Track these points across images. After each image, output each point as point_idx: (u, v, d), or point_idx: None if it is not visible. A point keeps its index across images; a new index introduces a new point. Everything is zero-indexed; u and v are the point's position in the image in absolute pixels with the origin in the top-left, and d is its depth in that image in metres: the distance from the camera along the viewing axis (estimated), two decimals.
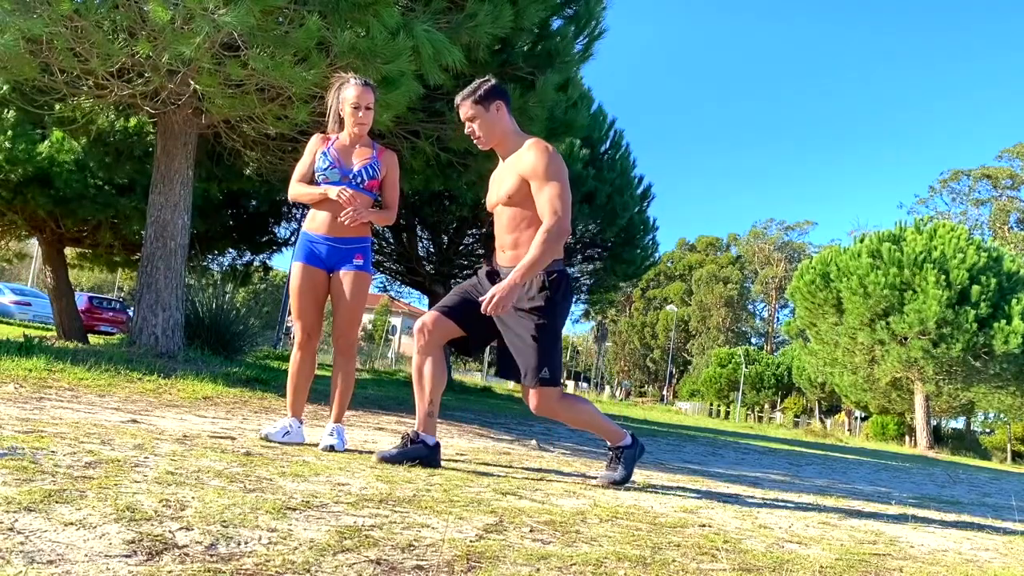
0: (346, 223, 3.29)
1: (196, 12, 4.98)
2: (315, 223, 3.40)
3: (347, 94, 3.38)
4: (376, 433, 4.34)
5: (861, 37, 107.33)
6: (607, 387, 60.97)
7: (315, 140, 3.50)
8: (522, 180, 3.03)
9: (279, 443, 3.29)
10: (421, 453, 3.01)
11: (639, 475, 3.82)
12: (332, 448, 3.25)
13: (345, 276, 3.36)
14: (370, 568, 1.48)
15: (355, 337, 3.55)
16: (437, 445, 3.09)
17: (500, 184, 3.13)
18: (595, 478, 3.33)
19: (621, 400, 46.59)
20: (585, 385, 58.97)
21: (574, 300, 17.31)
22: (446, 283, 14.81)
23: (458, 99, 3.15)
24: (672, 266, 70.21)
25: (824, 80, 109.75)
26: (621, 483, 3.21)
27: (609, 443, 3.31)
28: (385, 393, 8.67)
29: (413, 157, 7.38)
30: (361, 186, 3.35)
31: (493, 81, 3.15)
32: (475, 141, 3.16)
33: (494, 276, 3.13)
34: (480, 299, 2.98)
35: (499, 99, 3.11)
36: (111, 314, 21.27)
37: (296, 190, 3.45)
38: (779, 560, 1.99)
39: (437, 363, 3.10)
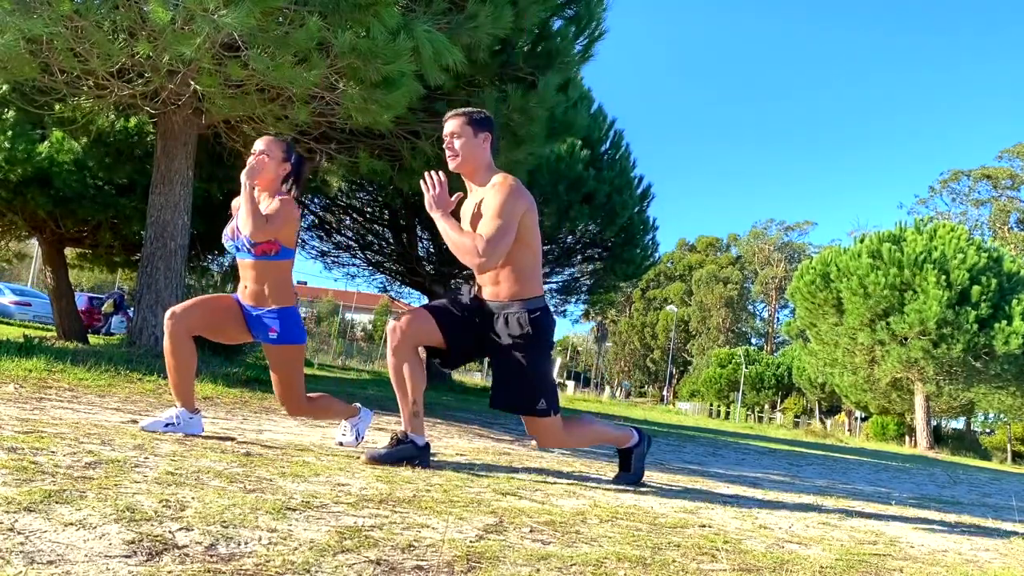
0: (247, 287, 3.22)
1: (196, 13, 4.98)
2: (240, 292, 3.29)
3: None
4: (376, 433, 4.34)
5: (861, 37, 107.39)
6: (607, 387, 60.94)
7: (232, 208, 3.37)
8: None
9: (159, 431, 3.10)
10: (411, 453, 2.98)
11: None
12: (341, 444, 3.32)
13: (266, 349, 3.24)
14: (370, 568, 1.48)
15: (295, 406, 3.32)
16: (427, 445, 3.08)
17: (468, 218, 3.09)
18: (610, 480, 3.40)
19: (620, 400, 46.56)
20: (581, 387, 58.95)
21: (574, 301, 17.38)
22: (446, 283, 14.81)
23: (450, 114, 3.12)
24: (672, 266, 70.19)
25: (824, 80, 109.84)
26: (637, 481, 3.35)
27: (618, 447, 3.39)
28: (385, 393, 8.66)
29: (413, 157, 7.38)
30: (251, 253, 3.15)
31: (488, 114, 3.16)
32: (448, 157, 3.08)
33: (478, 301, 3.11)
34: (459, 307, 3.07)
35: (489, 131, 3.10)
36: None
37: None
38: (779, 560, 1.99)
39: (413, 363, 3.02)
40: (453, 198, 3.11)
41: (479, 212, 2.99)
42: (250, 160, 3.21)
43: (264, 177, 3.20)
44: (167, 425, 3.09)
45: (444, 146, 3.11)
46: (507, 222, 2.89)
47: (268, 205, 3.18)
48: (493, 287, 3.05)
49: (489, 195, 2.98)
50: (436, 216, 2.98)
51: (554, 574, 1.60)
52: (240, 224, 3.16)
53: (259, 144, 3.24)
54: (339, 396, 6.63)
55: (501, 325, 3.00)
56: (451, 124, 3.09)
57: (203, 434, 3.16)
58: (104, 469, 2.10)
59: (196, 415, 3.18)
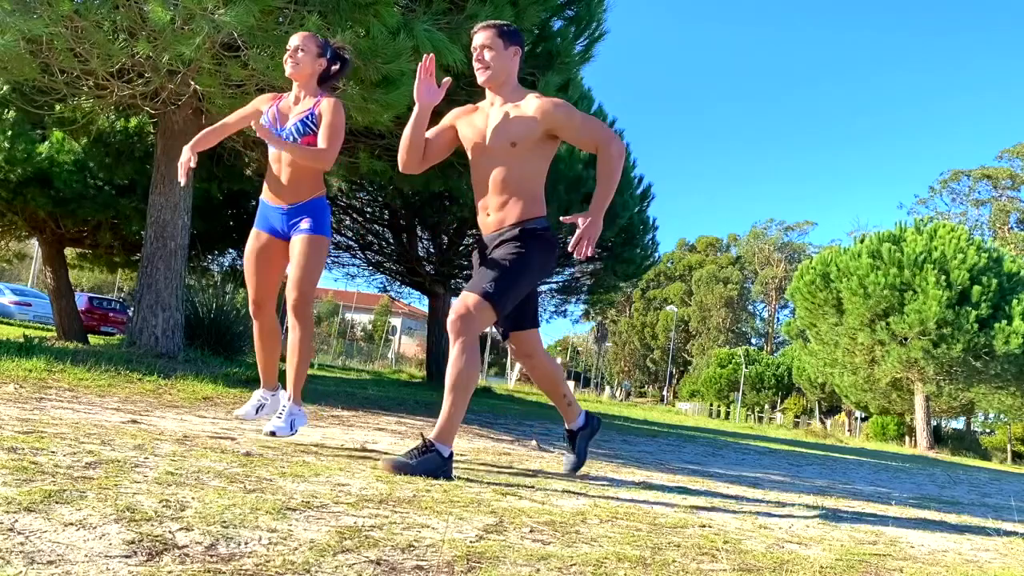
0: (282, 181, 3.18)
1: (195, 12, 4.98)
2: (265, 191, 3.29)
3: None
4: (377, 434, 4.34)
5: (861, 38, 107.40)
6: (607, 387, 60.93)
7: (261, 98, 3.34)
8: (536, 126, 2.91)
9: (255, 419, 3.29)
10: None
11: (639, 475, 3.83)
12: (273, 434, 3.06)
13: (293, 241, 3.21)
14: (370, 568, 1.48)
15: (300, 300, 3.19)
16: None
17: (498, 129, 2.96)
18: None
19: (620, 401, 46.56)
20: (581, 387, 58.90)
21: (574, 301, 17.39)
22: (446, 283, 14.80)
23: (480, 25, 3.03)
24: (672, 266, 70.19)
25: (824, 80, 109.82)
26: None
27: (432, 435, 3.09)
28: (385, 394, 8.66)
29: None
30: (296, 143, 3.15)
31: (517, 27, 3.11)
32: (478, 70, 2.99)
33: (484, 250, 3.02)
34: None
35: (519, 44, 3.04)
36: (111, 315, 21.30)
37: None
38: (779, 560, 1.99)
39: (541, 362, 3.23)
40: (442, 87, 3.05)
41: (521, 117, 2.94)
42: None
43: (301, 73, 3.21)
44: (258, 409, 3.22)
45: (474, 59, 3.01)
46: (587, 114, 2.99)
47: (311, 105, 3.19)
48: (500, 213, 2.97)
49: (538, 104, 2.94)
50: (599, 219, 2.83)
51: (554, 574, 1.60)
52: (308, 159, 3.13)
53: (294, 40, 3.24)
54: (339, 396, 6.60)
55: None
56: (481, 36, 3.00)
57: (206, 433, 3.16)
58: (104, 469, 2.10)
59: (276, 392, 3.34)
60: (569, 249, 2.82)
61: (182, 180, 3.40)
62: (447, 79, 3.09)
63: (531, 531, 2.01)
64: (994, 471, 13.35)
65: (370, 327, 50.82)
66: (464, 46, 5.98)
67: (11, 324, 19.01)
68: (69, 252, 13.26)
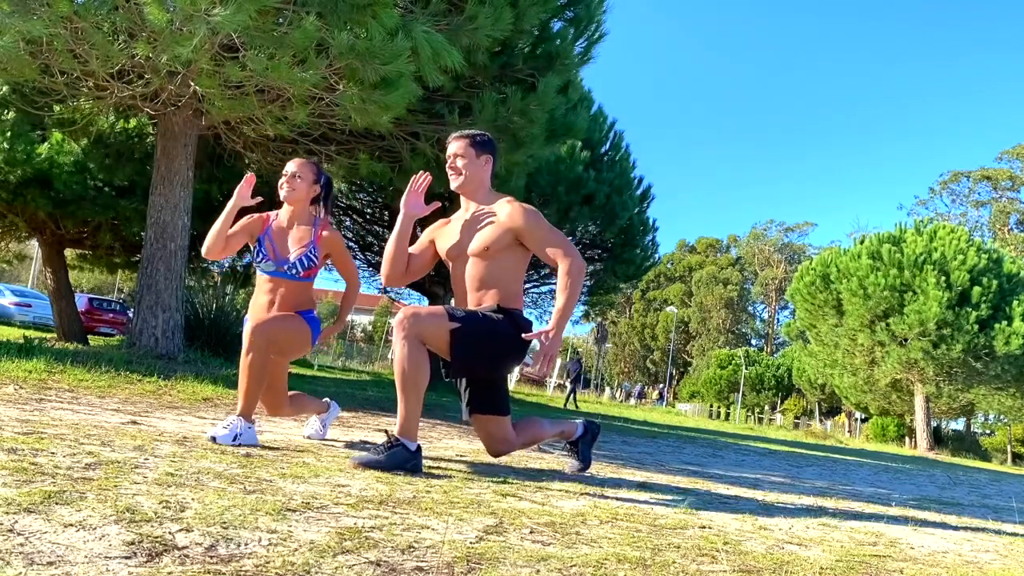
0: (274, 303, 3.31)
1: (191, 13, 4.98)
2: (253, 310, 3.33)
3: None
4: (376, 435, 4.33)
5: (861, 38, 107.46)
6: (607, 388, 60.90)
7: (250, 221, 3.37)
8: (505, 232, 3.04)
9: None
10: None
11: (639, 476, 3.83)
12: (214, 439, 2.95)
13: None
14: (370, 570, 1.48)
15: (262, 339, 3.15)
16: (419, 448, 2.96)
17: (472, 233, 3.11)
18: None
19: (621, 401, 46.52)
20: (581, 387, 58.81)
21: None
22: (445, 284, 14.81)
23: (454, 135, 3.21)
24: (672, 267, 70.21)
25: (824, 81, 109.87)
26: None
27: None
28: (385, 394, 8.66)
29: (413, 159, 7.38)
30: (297, 276, 3.29)
31: (491, 137, 3.26)
32: (451, 175, 3.16)
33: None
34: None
35: (491, 154, 3.21)
36: (111, 315, 21.28)
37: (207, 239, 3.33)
38: (779, 562, 1.99)
39: (522, 442, 3.45)
40: (429, 207, 3.23)
41: (489, 225, 3.07)
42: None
43: (297, 199, 3.36)
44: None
45: (447, 166, 3.19)
46: (554, 231, 3.06)
47: (311, 236, 3.35)
48: (476, 306, 3.09)
49: (507, 210, 3.07)
50: (559, 335, 2.90)
51: (554, 575, 1.60)
52: (354, 300, 3.51)
53: (290, 166, 3.38)
54: (339, 397, 6.61)
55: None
56: (455, 146, 3.18)
57: (205, 436, 3.16)
58: (104, 470, 2.10)
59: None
60: (532, 371, 2.92)
61: None
62: (435, 203, 3.25)
63: (531, 532, 2.01)
64: (994, 472, 13.35)
65: (370, 328, 50.83)
66: (464, 47, 5.99)
67: (11, 325, 19.01)
68: (69, 253, 13.27)
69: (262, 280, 3.37)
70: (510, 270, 3.09)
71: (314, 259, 3.32)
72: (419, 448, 2.88)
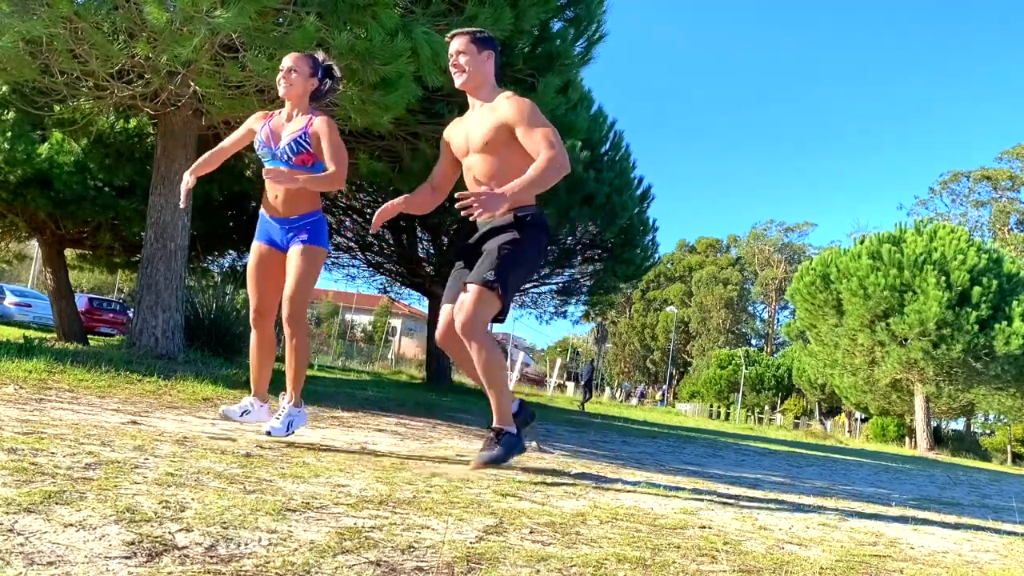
0: (278, 196, 3.30)
1: (191, 14, 4.98)
2: (265, 204, 3.40)
3: None
4: (376, 435, 4.34)
5: (861, 39, 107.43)
6: (607, 388, 60.91)
7: (253, 117, 3.46)
8: (500, 126, 3.07)
9: (237, 421, 3.39)
10: (512, 443, 3.10)
11: (639, 475, 3.82)
12: (269, 433, 3.21)
13: (289, 253, 3.33)
14: (370, 570, 1.48)
15: (296, 309, 3.29)
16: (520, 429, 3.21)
17: (474, 131, 3.15)
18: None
19: (621, 401, 46.51)
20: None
21: (574, 302, 17.39)
22: (445, 284, 14.82)
23: (453, 32, 3.22)
24: (672, 267, 70.17)
25: (824, 81, 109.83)
26: (496, 463, 3.07)
27: (496, 422, 3.15)
28: (385, 394, 8.66)
29: (413, 159, 7.39)
30: (289, 163, 3.26)
31: (490, 34, 3.29)
32: (455, 75, 3.19)
33: (479, 236, 3.17)
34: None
35: (492, 49, 3.23)
36: (111, 315, 21.28)
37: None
38: (779, 562, 1.99)
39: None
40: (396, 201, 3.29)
41: (487, 122, 3.09)
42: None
43: (294, 93, 3.33)
44: (243, 413, 3.32)
45: (451, 64, 3.21)
46: (545, 124, 3.03)
47: (303, 124, 3.29)
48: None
49: (503, 105, 3.09)
50: (506, 196, 2.85)
51: (554, 575, 1.60)
52: (323, 185, 3.29)
53: (286, 61, 3.36)
54: (339, 397, 6.60)
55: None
56: (456, 43, 3.18)
57: (206, 434, 3.17)
58: (104, 470, 2.10)
59: (264, 405, 3.44)
60: (457, 203, 2.86)
61: (182, 204, 3.61)
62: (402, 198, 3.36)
63: (531, 532, 2.01)
64: (994, 472, 13.35)
65: (370, 328, 50.79)
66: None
67: (11, 325, 19.01)
68: (69, 253, 13.26)
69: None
70: (518, 165, 3.04)
71: (304, 144, 3.25)
72: (519, 430, 3.13)
